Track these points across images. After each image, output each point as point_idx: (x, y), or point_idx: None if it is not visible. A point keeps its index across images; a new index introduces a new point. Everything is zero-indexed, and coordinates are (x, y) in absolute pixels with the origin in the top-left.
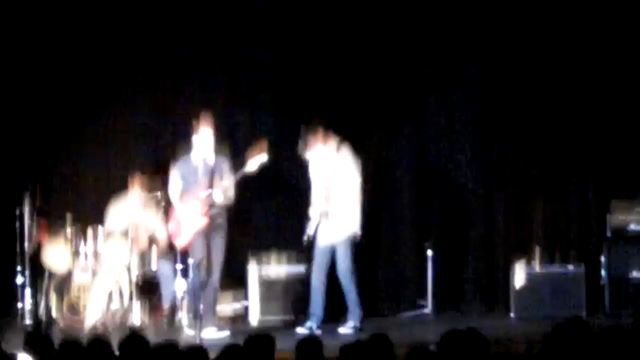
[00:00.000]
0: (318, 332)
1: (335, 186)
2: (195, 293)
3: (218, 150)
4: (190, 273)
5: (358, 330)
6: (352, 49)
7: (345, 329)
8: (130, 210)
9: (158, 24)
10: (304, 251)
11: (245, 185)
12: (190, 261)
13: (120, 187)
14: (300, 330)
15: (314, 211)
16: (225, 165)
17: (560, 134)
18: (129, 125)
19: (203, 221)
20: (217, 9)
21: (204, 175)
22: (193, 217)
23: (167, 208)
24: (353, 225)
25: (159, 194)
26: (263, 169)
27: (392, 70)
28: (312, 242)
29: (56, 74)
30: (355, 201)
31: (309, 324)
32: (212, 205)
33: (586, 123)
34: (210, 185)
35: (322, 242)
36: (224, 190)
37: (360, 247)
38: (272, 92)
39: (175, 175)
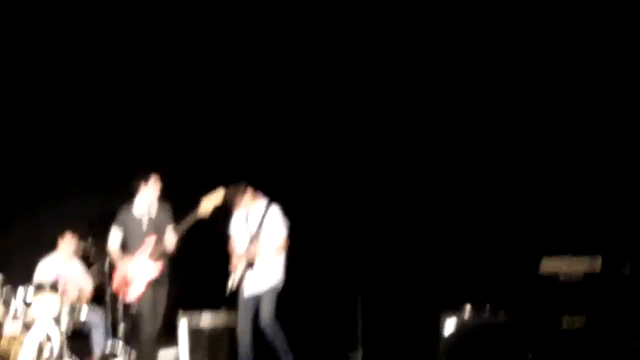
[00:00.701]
0: None
1: (261, 238)
2: (144, 343)
3: (160, 202)
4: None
5: None
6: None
7: None
8: (58, 262)
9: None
10: (228, 301)
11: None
12: (136, 311)
13: (50, 246)
14: None
15: (237, 262)
16: (168, 216)
17: (494, 189)
18: (60, 189)
19: (157, 269)
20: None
21: (148, 225)
22: (143, 267)
23: (97, 261)
24: (277, 276)
25: (88, 244)
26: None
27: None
28: (236, 293)
29: None
30: (279, 253)
31: None
32: (163, 252)
33: (520, 181)
34: (157, 233)
35: (247, 292)
36: (171, 238)
37: (289, 299)
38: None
39: (115, 228)
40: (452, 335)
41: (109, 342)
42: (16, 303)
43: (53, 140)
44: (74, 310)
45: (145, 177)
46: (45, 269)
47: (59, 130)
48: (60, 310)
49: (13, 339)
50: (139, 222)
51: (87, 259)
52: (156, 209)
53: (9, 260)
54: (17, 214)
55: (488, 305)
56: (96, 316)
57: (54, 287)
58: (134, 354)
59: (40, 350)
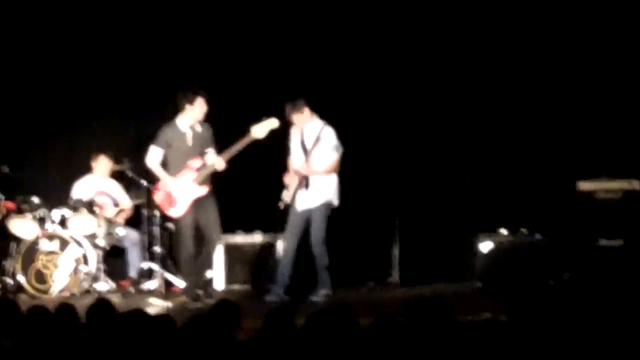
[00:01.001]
0: (286, 299)
1: (315, 155)
2: (183, 264)
3: (203, 122)
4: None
5: (329, 298)
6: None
7: (317, 297)
8: (95, 182)
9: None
10: (276, 217)
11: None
12: (175, 231)
13: (85, 168)
14: (269, 298)
15: (291, 178)
16: (211, 136)
17: (527, 114)
18: (96, 111)
19: (203, 190)
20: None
21: (192, 145)
22: (187, 187)
23: (133, 179)
24: (329, 194)
25: (125, 165)
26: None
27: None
28: (287, 209)
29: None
30: (333, 171)
31: (276, 290)
32: (209, 173)
33: (552, 105)
34: (201, 153)
35: (299, 208)
36: (217, 160)
37: (330, 217)
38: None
39: (156, 146)
40: (488, 255)
41: (145, 263)
42: (52, 222)
43: (88, 62)
44: (110, 229)
45: (192, 96)
46: (82, 188)
47: (96, 51)
48: (97, 229)
49: (49, 258)
50: (183, 140)
51: (125, 179)
52: (200, 129)
53: (45, 183)
54: (52, 137)
55: (524, 225)
56: (133, 236)
57: (90, 206)
58: (169, 274)
59: (75, 270)
